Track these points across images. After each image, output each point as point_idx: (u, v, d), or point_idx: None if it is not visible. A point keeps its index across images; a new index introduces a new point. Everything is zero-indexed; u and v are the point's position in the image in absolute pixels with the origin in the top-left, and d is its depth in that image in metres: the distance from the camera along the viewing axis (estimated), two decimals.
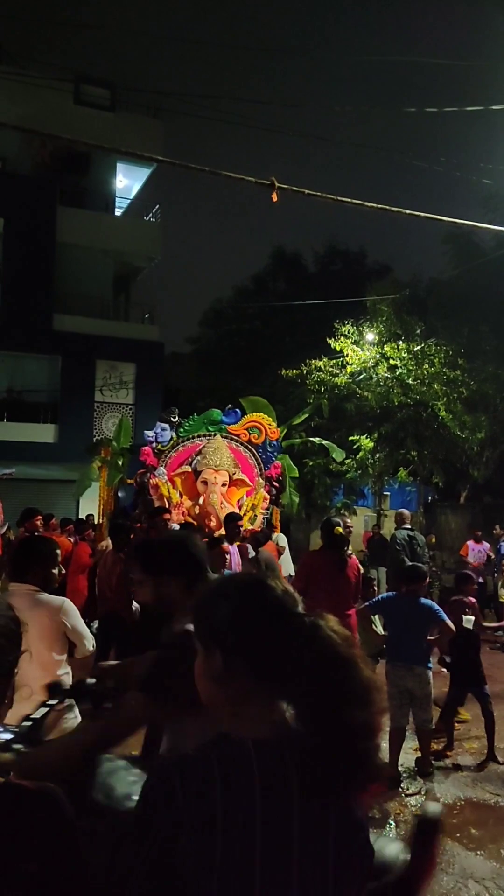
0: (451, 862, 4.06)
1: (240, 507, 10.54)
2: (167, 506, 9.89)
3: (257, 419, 11.34)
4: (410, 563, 6.11)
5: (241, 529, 8.39)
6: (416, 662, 5.31)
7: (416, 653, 5.32)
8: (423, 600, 5.50)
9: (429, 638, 5.39)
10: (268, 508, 10.98)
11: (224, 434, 10.86)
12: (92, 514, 14.88)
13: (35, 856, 1.06)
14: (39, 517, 8.30)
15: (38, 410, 21.25)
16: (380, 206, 7.74)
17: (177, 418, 10.92)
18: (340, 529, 5.90)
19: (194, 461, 10.56)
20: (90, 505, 15.32)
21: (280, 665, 1.17)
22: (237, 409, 11.30)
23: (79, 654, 3.45)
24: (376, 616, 6.06)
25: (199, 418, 11.04)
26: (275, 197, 7.18)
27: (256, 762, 1.13)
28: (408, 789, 5.13)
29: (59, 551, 3.45)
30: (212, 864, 1.07)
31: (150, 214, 24.74)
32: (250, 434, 11.05)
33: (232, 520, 8.04)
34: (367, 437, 17.42)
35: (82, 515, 15.95)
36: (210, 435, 10.79)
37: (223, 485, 10.43)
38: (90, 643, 3.46)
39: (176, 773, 1.12)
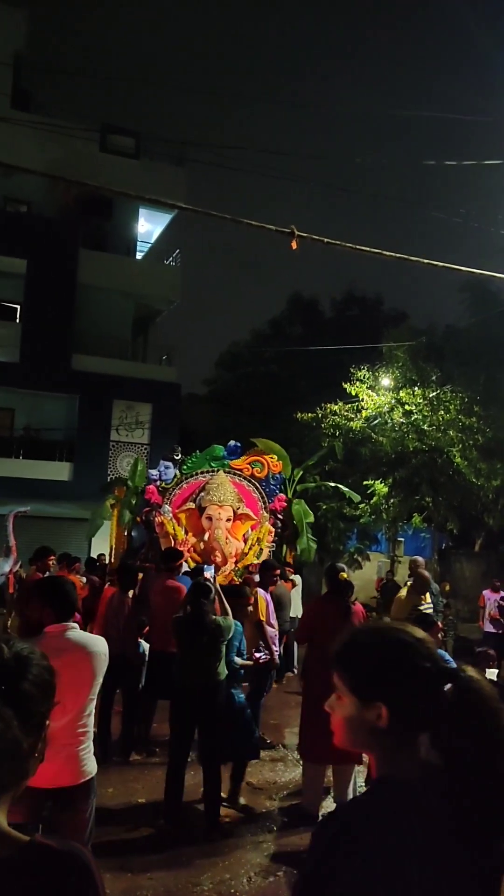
0: None
1: (245, 541, 10.57)
2: (173, 543, 9.91)
3: (259, 452, 11.40)
4: (421, 612, 5.97)
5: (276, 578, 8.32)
6: None
7: None
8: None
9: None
10: (274, 541, 10.99)
11: (227, 469, 10.89)
12: (103, 554, 14.85)
13: None
14: (52, 556, 8.29)
15: (55, 448, 21.39)
16: (398, 255, 7.83)
17: (180, 456, 10.98)
18: (345, 575, 5.84)
19: (198, 497, 10.58)
20: (102, 544, 15.32)
21: (435, 717, 1.24)
22: (239, 444, 11.35)
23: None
24: None
25: (202, 455, 11.09)
26: (294, 245, 7.29)
27: (424, 803, 1.19)
28: None
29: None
30: None
31: (171, 258, 25.17)
32: (253, 468, 11.07)
33: (268, 568, 8.00)
34: (381, 482, 17.36)
35: (94, 554, 15.94)
36: (213, 471, 10.82)
37: (228, 520, 10.43)
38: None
39: (354, 819, 1.19)
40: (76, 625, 3.29)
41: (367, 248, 7.54)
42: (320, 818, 1.27)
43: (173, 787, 5.03)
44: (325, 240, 7.39)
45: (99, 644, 3.30)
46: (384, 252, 7.57)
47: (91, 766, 3.19)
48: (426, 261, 7.75)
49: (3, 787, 1.10)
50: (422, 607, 7.38)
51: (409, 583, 7.75)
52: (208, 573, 7.50)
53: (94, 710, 3.30)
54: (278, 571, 8.39)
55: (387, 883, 1.11)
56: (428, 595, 7.56)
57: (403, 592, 7.61)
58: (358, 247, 7.54)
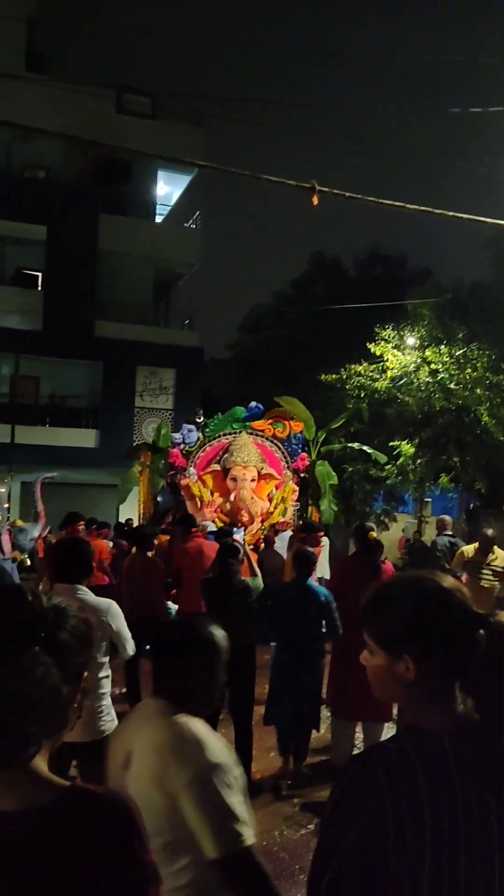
0: None
1: (270, 501, 10.73)
2: (199, 505, 10.07)
3: (280, 413, 11.49)
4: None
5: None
6: None
7: None
8: None
9: None
10: (297, 500, 11.07)
11: (249, 430, 11.02)
12: (131, 519, 14.98)
13: (113, 863, 1.05)
14: (82, 522, 8.36)
15: (80, 416, 21.53)
16: (422, 208, 7.64)
17: (202, 419, 11.09)
18: (375, 534, 5.81)
19: (222, 459, 10.72)
20: (130, 509, 15.43)
21: (467, 665, 1.23)
22: (260, 406, 11.43)
23: (118, 657, 3.45)
24: None
25: (224, 417, 11.21)
26: (315, 200, 7.13)
27: (451, 752, 1.17)
28: None
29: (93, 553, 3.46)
30: (422, 843, 1.11)
31: (191, 221, 24.90)
32: (275, 428, 11.23)
33: (312, 528, 8.27)
34: (407, 443, 17.21)
35: (122, 519, 16.09)
36: (235, 432, 10.95)
37: (252, 480, 10.58)
38: (131, 647, 3.46)
39: (378, 764, 1.16)
40: (84, 588, 3.31)
41: (390, 202, 7.36)
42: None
43: None
44: (347, 194, 7.22)
45: (104, 607, 3.31)
46: (407, 205, 7.39)
47: (108, 725, 3.23)
48: (450, 213, 7.56)
49: (45, 733, 1.11)
50: (492, 567, 7.54)
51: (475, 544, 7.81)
52: (238, 535, 7.54)
53: (109, 673, 3.34)
54: (322, 532, 8.51)
55: (398, 826, 1.11)
56: (498, 551, 7.62)
57: (470, 549, 7.78)
58: (380, 200, 7.36)
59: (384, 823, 1.11)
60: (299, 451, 11.47)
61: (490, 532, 7.85)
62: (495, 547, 7.71)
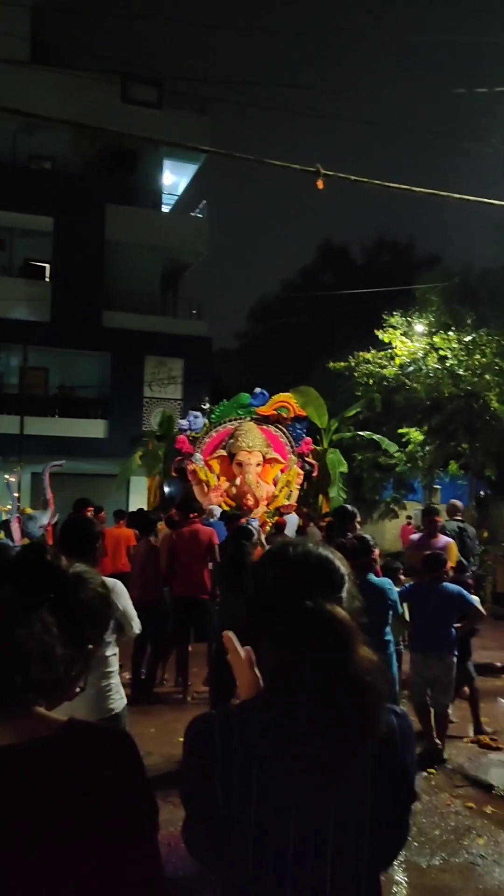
0: (503, 853, 3.97)
1: (275, 485, 10.93)
2: (206, 490, 10.26)
3: (285, 399, 11.68)
4: (429, 552, 5.93)
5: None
6: (443, 650, 5.25)
7: (441, 641, 5.24)
8: (449, 586, 5.38)
9: (456, 625, 5.30)
10: (302, 485, 11.26)
11: (254, 416, 11.25)
12: (142, 508, 15.04)
13: (108, 794, 1.08)
14: (90, 508, 8.40)
15: (89, 406, 21.57)
16: (429, 190, 7.61)
17: (208, 406, 11.34)
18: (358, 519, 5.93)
19: (228, 444, 10.92)
20: (140, 499, 15.49)
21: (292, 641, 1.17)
22: (264, 392, 11.60)
23: (125, 636, 3.47)
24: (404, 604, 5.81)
25: (229, 403, 11.49)
26: (320, 184, 7.12)
27: (252, 725, 1.20)
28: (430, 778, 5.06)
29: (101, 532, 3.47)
30: (247, 800, 1.19)
31: (198, 210, 24.83)
32: (279, 413, 11.43)
33: (346, 514, 8.17)
34: (416, 430, 17.14)
35: (133, 509, 16.14)
36: (240, 418, 11.20)
37: (258, 465, 10.78)
38: (137, 625, 3.48)
39: (216, 724, 1.24)
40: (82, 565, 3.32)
41: (396, 185, 7.33)
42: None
43: None
44: (352, 177, 7.19)
45: (109, 585, 3.32)
46: (413, 188, 7.35)
47: (115, 703, 3.24)
48: (457, 195, 7.52)
49: (34, 686, 1.14)
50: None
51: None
52: (253, 524, 7.60)
53: (117, 651, 3.36)
54: (359, 518, 8.54)
55: (226, 782, 1.19)
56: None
57: None
58: (386, 183, 7.33)
59: (212, 777, 1.20)
60: (303, 435, 11.66)
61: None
62: None
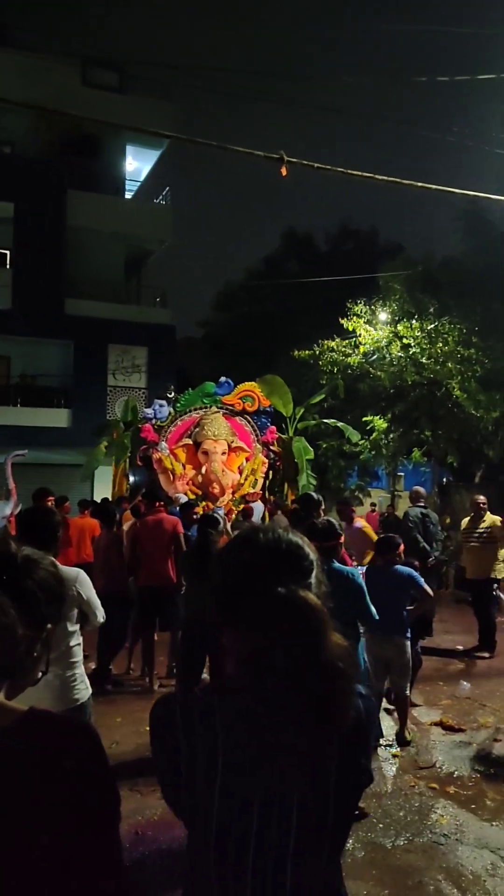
0: (465, 832, 4.05)
1: (241, 473, 11.04)
2: (172, 478, 10.32)
3: (250, 388, 11.78)
4: (382, 535, 6.08)
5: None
6: (395, 633, 5.31)
7: (394, 623, 5.28)
8: (401, 568, 5.44)
9: (408, 608, 5.38)
10: (267, 473, 11.44)
11: (219, 405, 11.33)
12: (107, 498, 14.93)
13: (70, 783, 1.08)
14: (51, 497, 8.31)
15: (52, 395, 21.30)
16: (391, 178, 7.63)
17: (173, 394, 11.35)
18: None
19: (193, 433, 10.99)
20: (105, 488, 15.36)
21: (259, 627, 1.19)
22: (229, 381, 11.66)
23: (90, 625, 3.45)
24: None
25: (194, 392, 11.56)
26: (284, 171, 7.11)
27: (220, 711, 1.24)
28: (391, 759, 5.14)
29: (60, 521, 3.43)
30: (213, 778, 1.21)
31: (161, 197, 24.61)
32: (244, 403, 11.59)
33: (346, 504, 8.52)
34: (380, 418, 17.28)
35: (97, 499, 16.01)
36: (206, 407, 11.26)
37: (223, 453, 10.89)
38: (101, 614, 3.46)
39: (178, 706, 1.27)
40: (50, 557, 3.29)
41: (359, 172, 7.34)
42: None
43: None
44: (316, 165, 7.18)
45: (72, 575, 3.30)
46: (376, 175, 7.37)
47: (80, 693, 3.23)
48: (419, 184, 7.56)
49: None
50: (479, 530, 8.43)
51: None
52: (219, 512, 7.62)
53: (81, 641, 3.34)
54: (355, 508, 8.77)
55: (190, 758, 1.23)
56: (489, 517, 8.42)
57: (467, 521, 8.72)
58: (349, 171, 7.34)
59: (177, 754, 1.23)
60: (268, 424, 11.80)
61: (481, 498, 8.57)
62: (487, 513, 8.36)
